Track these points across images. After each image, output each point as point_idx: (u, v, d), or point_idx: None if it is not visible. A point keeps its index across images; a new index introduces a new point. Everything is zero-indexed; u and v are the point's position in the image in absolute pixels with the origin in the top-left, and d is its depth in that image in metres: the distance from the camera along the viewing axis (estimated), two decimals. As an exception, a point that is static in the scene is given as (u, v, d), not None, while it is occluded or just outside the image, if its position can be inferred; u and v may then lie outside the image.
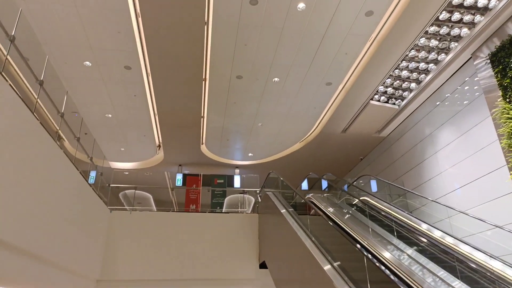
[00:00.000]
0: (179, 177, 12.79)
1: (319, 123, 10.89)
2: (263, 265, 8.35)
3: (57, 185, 5.51)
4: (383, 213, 6.36)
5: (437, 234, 5.22)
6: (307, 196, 8.22)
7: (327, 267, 3.98)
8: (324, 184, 10.89)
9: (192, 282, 8.16)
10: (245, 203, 10.70)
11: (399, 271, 4.15)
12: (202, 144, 12.16)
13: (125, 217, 8.46)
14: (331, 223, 5.69)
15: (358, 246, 4.17)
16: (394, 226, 5.69)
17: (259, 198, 9.39)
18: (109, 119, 10.53)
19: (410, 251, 4.71)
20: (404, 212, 6.24)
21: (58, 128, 6.09)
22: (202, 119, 10.28)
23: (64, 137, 6.97)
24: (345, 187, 10.42)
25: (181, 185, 12.24)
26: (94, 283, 7.64)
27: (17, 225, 4.30)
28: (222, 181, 11.04)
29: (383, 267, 3.98)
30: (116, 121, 10.63)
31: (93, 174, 8.54)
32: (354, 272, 3.84)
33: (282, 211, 6.35)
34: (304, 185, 12.93)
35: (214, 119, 10.71)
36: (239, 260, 8.34)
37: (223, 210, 10.08)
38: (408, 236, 5.40)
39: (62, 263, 5.80)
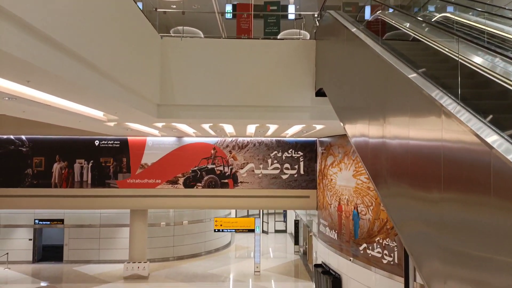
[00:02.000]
0: (229, 8, 11.79)
1: None
2: (319, 94, 8.06)
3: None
4: (470, 25, 5.34)
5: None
6: (376, 14, 7.14)
7: (412, 75, 3.41)
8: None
9: (247, 108, 8.22)
10: (301, 34, 9.88)
11: (493, 74, 3.52)
12: (252, -36, 10.64)
13: (176, 44, 8.15)
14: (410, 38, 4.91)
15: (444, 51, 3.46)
16: (484, 37, 4.77)
17: (317, 22, 8.44)
18: None
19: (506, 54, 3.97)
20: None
21: None
22: None
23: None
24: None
25: (231, 17, 11.38)
26: (155, 107, 7.96)
27: (76, 32, 4.04)
28: (275, 7, 9.97)
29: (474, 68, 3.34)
30: None
31: (139, 4, 7.96)
32: (443, 78, 3.27)
33: (352, 29, 5.52)
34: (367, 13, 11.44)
35: None
36: (295, 87, 8.06)
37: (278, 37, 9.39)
38: (502, 44, 4.53)
39: (123, 81, 5.84)
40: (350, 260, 11.56)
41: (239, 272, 16.79)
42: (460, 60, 3.32)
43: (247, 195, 15.09)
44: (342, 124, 5.75)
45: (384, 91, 4.17)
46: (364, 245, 10.89)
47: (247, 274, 16.15)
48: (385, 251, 10.05)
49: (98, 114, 7.61)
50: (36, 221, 17.62)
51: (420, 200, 3.22)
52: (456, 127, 2.59)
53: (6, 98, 5.02)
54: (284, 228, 26.72)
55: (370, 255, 10.63)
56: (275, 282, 15.17)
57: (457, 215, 2.60)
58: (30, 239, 17.76)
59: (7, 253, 16.94)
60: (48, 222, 17.70)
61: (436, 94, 2.94)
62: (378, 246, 10.31)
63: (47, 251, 18.64)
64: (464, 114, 2.58)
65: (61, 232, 18.20)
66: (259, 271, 16.23)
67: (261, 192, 15.07)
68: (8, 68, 3.70)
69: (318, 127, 10.04)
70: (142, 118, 8.32)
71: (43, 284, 14.82)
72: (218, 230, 16.34)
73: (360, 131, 4.88)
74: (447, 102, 2.78)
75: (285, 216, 26.98)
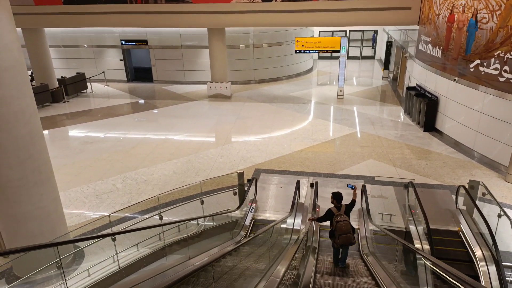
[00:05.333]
0: None
1: None
2: None
3: None
4: None
5: None
6: None
7: None
8: None
9: None
10: None
11: None
12: None
13: None
14: None
15: None
16: None
17: None
18: None
19: None
20: None
21: None
22: None
23: None
24: None
25: None
26: None
27: None
28: None
29: None
30: None
31: None
32: None
33: None
34: None
35: None
36: None
37: None
38: None
39: None
40: (455, 80, 9.87)
41: (320, 95, 16.26)
42: None
43: (333, 8, 13.01)
44: None
45: None
46: (477, 61, 8.95)
47: (329, 98, 15.57)
48: (505, 67, 8.13)
49: None
50: (122, 41, 18.16)
51: None
52: None
53: None
54: (371, 54, 24.46)
55: (482, 72, 8.81)
56: (359, 106, 14.43)
57: None
58: (120, 60, 18.77)
59: (103, 72, 18.37)
60: (133, 43, 18.14)
61: None
62: (497, 61, 8.34)
63: (139, 72, 19.86)
64: None
65: (147, 54, 18.78)
66: (342, 95, 15.48)
67: (350, 4, 12.80)
68: None
69: None
70: None
71: (140, 101, 16.11)
72: (300, 51, 15.14)
73: None
74: None
75: (373, 40, 24.29)
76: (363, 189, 7.12)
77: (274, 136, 11.45)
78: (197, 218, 6.67)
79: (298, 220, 6.71)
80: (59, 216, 5.61)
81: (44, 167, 5.15)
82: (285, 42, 18.42)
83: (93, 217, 7.27)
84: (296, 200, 6.91)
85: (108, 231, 6.20)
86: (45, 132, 12.40)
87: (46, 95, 14.96)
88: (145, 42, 17.99)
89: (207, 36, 15.80)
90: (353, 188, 5.71)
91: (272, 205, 7.76)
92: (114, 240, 5.48)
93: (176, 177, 8.87)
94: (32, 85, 15.14)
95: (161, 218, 6.20)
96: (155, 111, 14.76)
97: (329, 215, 5.31)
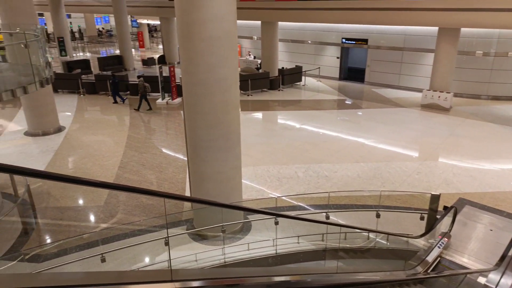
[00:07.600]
0: None
1: None
2: None
3: None
4: None
5: None
6: None
7: None
8: None
9: None
10: None
11: None
12: None
13: None
14: None
15: None
16: None
17: None
18: None
19: None
20: None
21: None
22: None
23: None
24: None
25: None
26: None
27: None
28: None
29: None
30: None
31: None
32: None
33: None
34: None
35: None
36: None
37: None
38: None
39: None
40: None
41: None
42: None
43: None
44: None
45: None
46: None
47: None
48: None
49: None
50: (343, 40, 18.22)
51: None
52: None
53: None
54: None
55: None
56: None
57: None
58: (337, 57, 18.95)
59: (319, 67, 19.01)
60: (353, 42, 17.93)
61: None
62: None
63: (351, 72, 19.61)
64: None
65: (364, 55, 18.23)
66: None
67: None
68: None
69: None
70: None
71: (347, 101, 15.84)
72: None
73: None
74: None
75: None
76: None
77: (498, 166, 8.92)
78: (369, 231, 5.79)
79: (507, 281, 4.83)
80: (236, 184, 5.90)
81: (232, 135, 5.46)
82: (545, 52, 14.17)
83: (270, 196, 7.45)
84: (510, 253, 5.01)
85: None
86: (258, 113, 13.84)
87: (265, 81, 16.69)
88: (365, 41, 17.48)
89: (435, 38, 13.86)
90: None
91: (472, 248, 5.96)
92: (276, 223, 5.35)
93: (359, 181, 8.08)
94: (257, 71, 17.30)
95: (327, 217, 5.67)
96: (359, 112, 14.15)
97: None
